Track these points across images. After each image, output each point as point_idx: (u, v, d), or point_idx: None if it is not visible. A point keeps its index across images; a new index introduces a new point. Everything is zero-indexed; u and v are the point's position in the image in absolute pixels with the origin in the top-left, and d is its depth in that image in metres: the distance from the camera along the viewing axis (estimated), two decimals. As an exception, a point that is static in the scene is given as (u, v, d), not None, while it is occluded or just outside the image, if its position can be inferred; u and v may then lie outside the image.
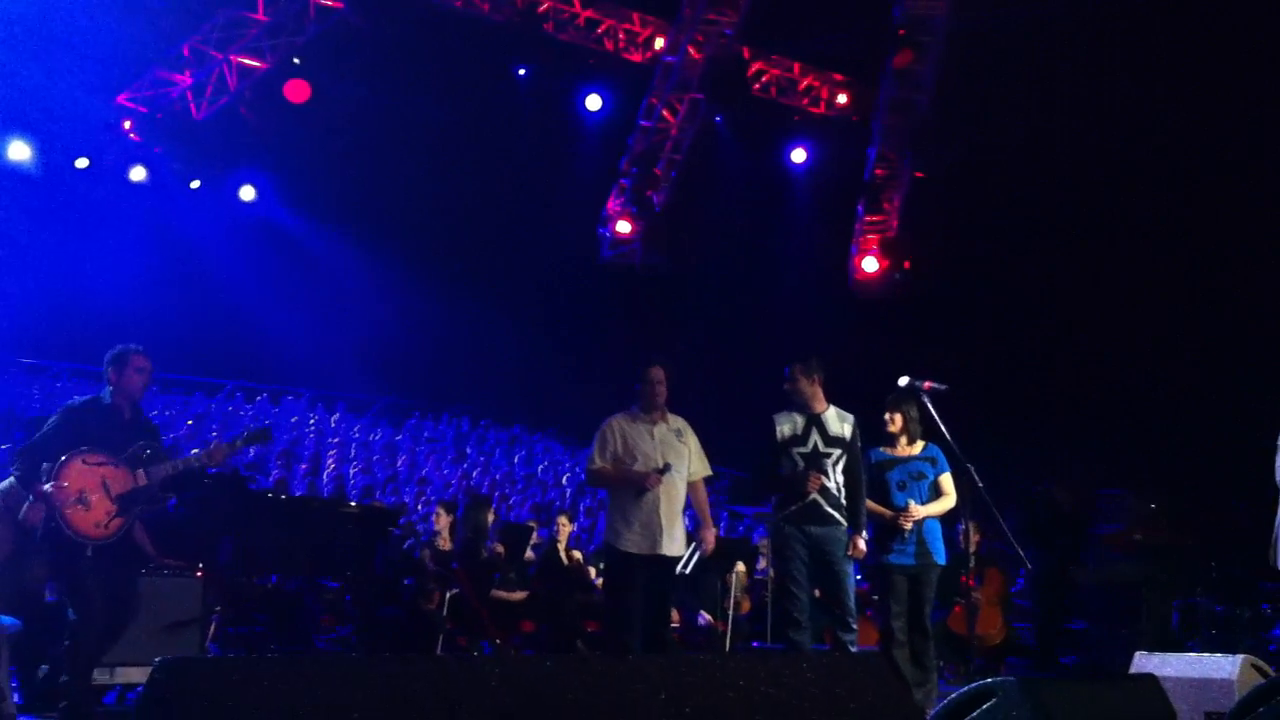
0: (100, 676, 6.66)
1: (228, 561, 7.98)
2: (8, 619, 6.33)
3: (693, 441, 7.21)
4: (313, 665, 3.13)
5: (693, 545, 8.09)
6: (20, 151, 16.59)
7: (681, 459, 7.07)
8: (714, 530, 7.53)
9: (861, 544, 7.07)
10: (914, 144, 19.35)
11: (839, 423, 7.13)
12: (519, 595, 9.69)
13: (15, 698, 6.49)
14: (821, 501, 6.96)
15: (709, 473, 7.33)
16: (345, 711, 2.82)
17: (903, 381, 7.05)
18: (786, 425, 7.09)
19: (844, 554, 6.99)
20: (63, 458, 6.19)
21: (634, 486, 6.91)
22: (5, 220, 17.20)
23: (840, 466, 7.05)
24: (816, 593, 7.26)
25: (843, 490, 7.04)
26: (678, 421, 7.19)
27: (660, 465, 6.90)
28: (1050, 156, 17.22)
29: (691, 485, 7.21)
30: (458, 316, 20.34)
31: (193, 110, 17.38)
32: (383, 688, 2.91)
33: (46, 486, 6.09)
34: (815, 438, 7.04)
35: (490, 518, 9.95)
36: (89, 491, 6.21)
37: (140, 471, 6.41)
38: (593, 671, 3.39)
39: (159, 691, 2.71)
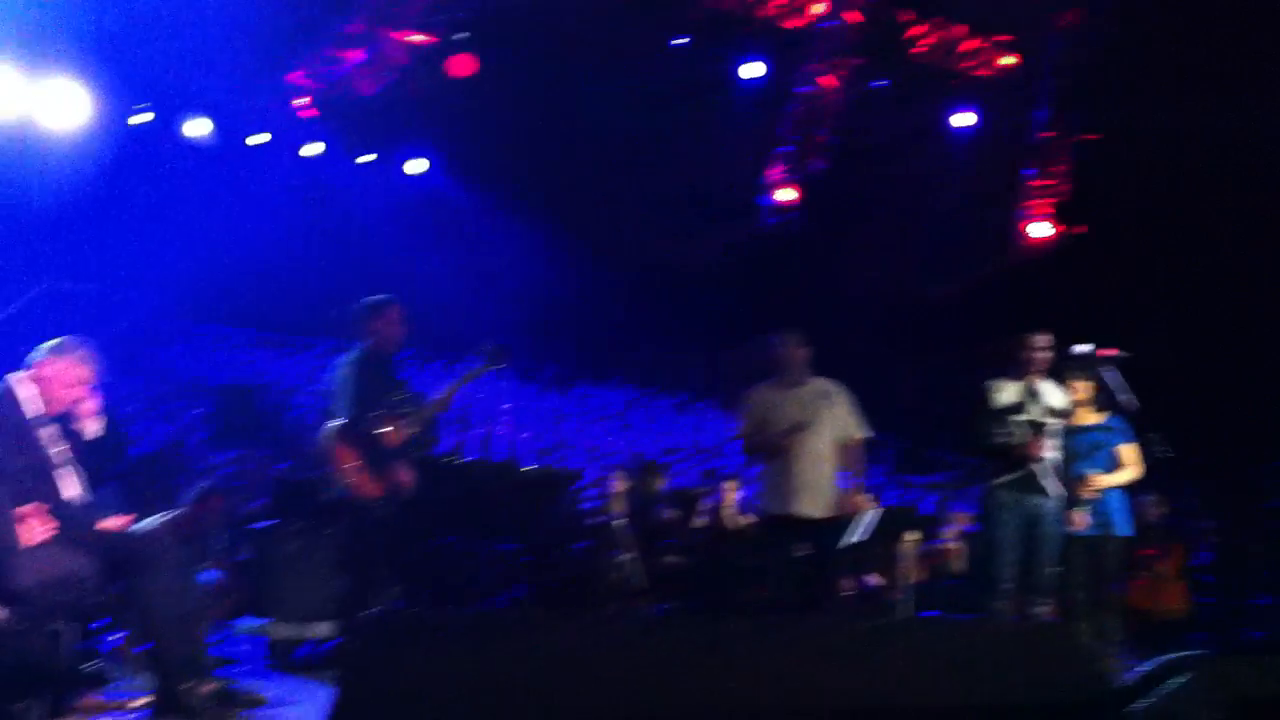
0: (294, 631, 6.91)
1: (406, 523, 8.19)
2: (213, 574, 6.61)
3: (842, 404, 7.18)
4: (502, 621, 3.21)
5: (869, 512, 8.04)
6: (199, 128, 17.24)
7: (825, 421, 7.06)
8: (862, 493, 7.47)
9: (1079, 517, 6.97)
10: (1083, 105, 18.80)
11: (1056, 394, 7.02)
12: (691, 561, 9.75)
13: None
14: (1040, 471, 6.84)
15: (862, 435, 7.28)
16: (534, 664, 2.89)
17: (1082, 349, 6.88)
18: (1004, 392, 6.97)
19: (1054, 528, 6.88)
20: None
21: (769, 449, 6.97)
22: (186, 195, 17.91)
23: (1056, 437, 6.95)
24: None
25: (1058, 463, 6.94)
26: (824, 385, 7.19)
27: (792, 426, 6.92)
28: (1231, 114, 16.54)
29: (842, 448, 7.19)
30: (621, 286, 20.47)
31: (361, 86, 17.79)
32: (568, 644, 2.97)
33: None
34: (1034, 406, 6.92)
35: (661, 484, 10.03)
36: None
37: (407, 421, 6.56)
38: (767, 633, 3.39)
39: (358, 644, 2.81)
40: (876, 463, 15.06)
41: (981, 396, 6.99)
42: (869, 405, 7.31)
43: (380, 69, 17.82)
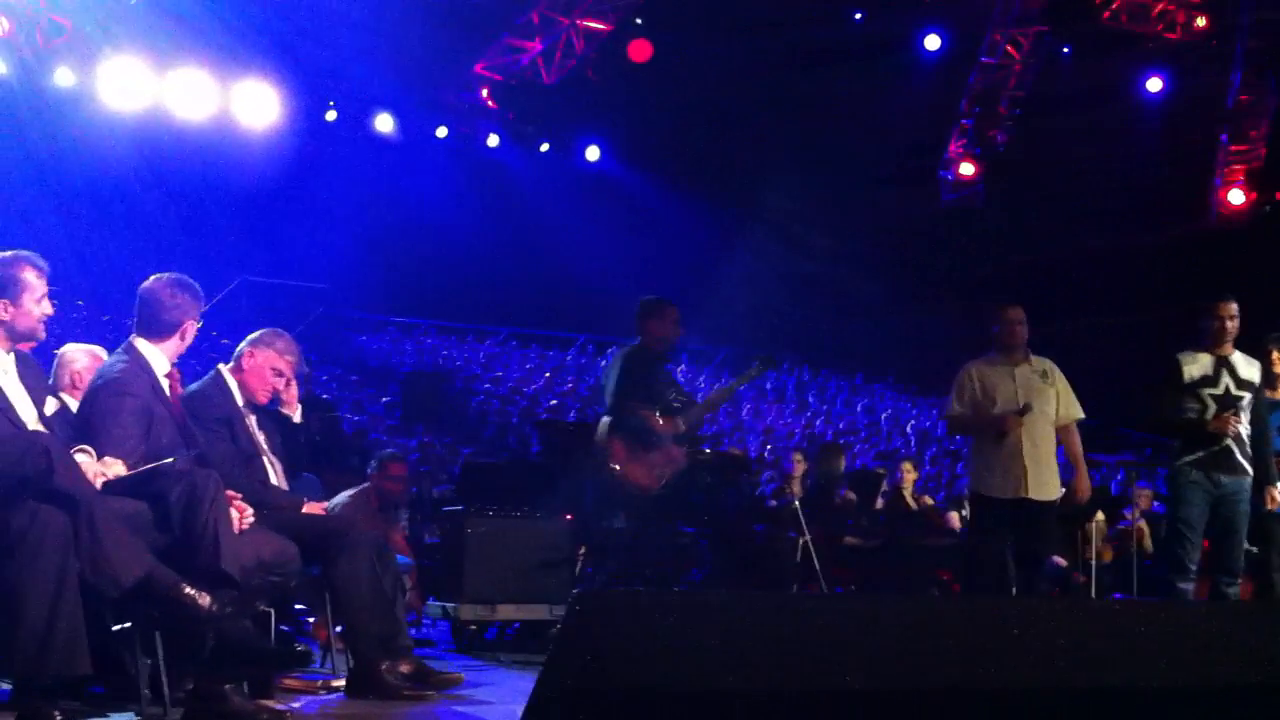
0: (482, 613, 7.08)
1: (590, 506, 8.32)
2: (404, 559, 6.82)
3: (1060, 383, 6.94)
4: (709, 599, 3.27)
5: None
6: (384, 123, 17.75)
7: (1046, 401, 6.83)
8: (1087, 477, 7.22)
9: (1276, 494, 6.68)
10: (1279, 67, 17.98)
11: (1248, 366, 6.71)
12: (872, 543, 9.69)
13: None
14: (1234, 448, 6.57)
15: (1080, 415, 7.03)
16: (739, 640, 2.93)
17: (1288, 320, 6.58)
18: (1194, 365, 6.71)
19: (1246, 506, 6.61)
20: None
21: (993, 430, 6.75)
22: (373, 189, 18.49)
23: (1247, 411, 6.66)
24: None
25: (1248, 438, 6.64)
26: (1043, 363, 6.94)
27: (1020, 407, 6.71)
28: None
29: (1062, 429, 6.96)
30: (796, 267, 20.39)
31: (543, 75, 18.07)
32: (770, 622, 2.99)
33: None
34: (1227, 380, 6.64)
35: (841, 465, 9.97)
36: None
37: (678, 419, 6.73)
38: (973, 612, 3.36)
39: (578, 619, 2.88)
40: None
41: (1170, 369, 6.73)
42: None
43: (559, 57, 18.06)
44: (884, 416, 17.73)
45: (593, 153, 19.78)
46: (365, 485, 7.66)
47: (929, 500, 10.07)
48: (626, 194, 20.36)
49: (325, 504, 5.88)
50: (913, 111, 20.03)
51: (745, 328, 20.71)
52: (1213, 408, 6.56)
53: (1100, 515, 10.20)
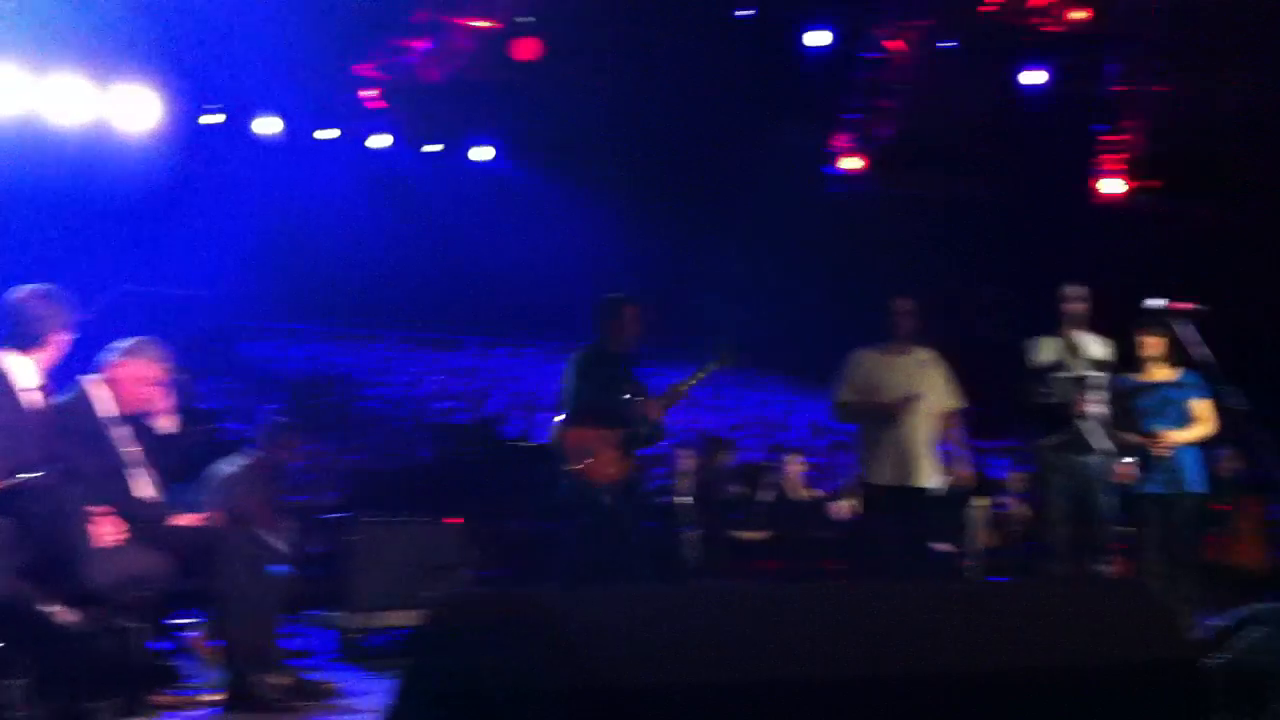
0: (369, 621, 7.01)
1: (480, 509, 8.29)
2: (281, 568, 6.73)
3: (942, 373, 7.08)
4: (584, 596, 3.27)
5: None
6: (268, 126, 17.46)
7: (931, 389, 6.96)
8: (969, 463, 7.35)
9: (1126, 469, 6.84)
10: (1155, 58, 18.45)
11: (1099, 347, 6.86)
12: (759, 535, 9.77)
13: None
14: (1091, 429, 6.71)
15: (959, 404, 7.18)
16: (613, 636, 2.93)
17: (1155, 303, 6.68)
18: (1046, 349, 6.86)
19: (1105, 484, 6.76)
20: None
21: (881, 417, 6.85)
22: (258, 193, 18.18)
23: (1101, 391, 6.80)
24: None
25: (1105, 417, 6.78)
26: (925, 353, 7.08)
27: (908, 395, 6.82)
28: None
29: (944, 416, 7.10)
30: (685, 262, 20.45)
31: (431, 74, 17.89)
32: (645, 614, 3.00)
33: None
34: (1077, 361, 6.79)
35: (727, 459, 10.05)
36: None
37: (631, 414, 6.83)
38: (833, 597, 3.41)
39: (438, 623, 2.86)
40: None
41: (1022, 354, 6.89)
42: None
43: (446, 56, 17.90)
44: (775, 410, 17.87)
45: (485, 152, 19.65)
46: (257, 455, 7.49)
47: (818, 492, 10.16)
48: (520, 193, 20.24)
49: (201, 516, 5.76)
50: (800, 106, 20.19)
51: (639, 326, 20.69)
52: (1066, 390, 6.71)
53: (983, 500, 10.39)
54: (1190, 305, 6.63)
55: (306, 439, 12.49)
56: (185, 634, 6.12)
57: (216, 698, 4.90)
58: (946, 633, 3.34)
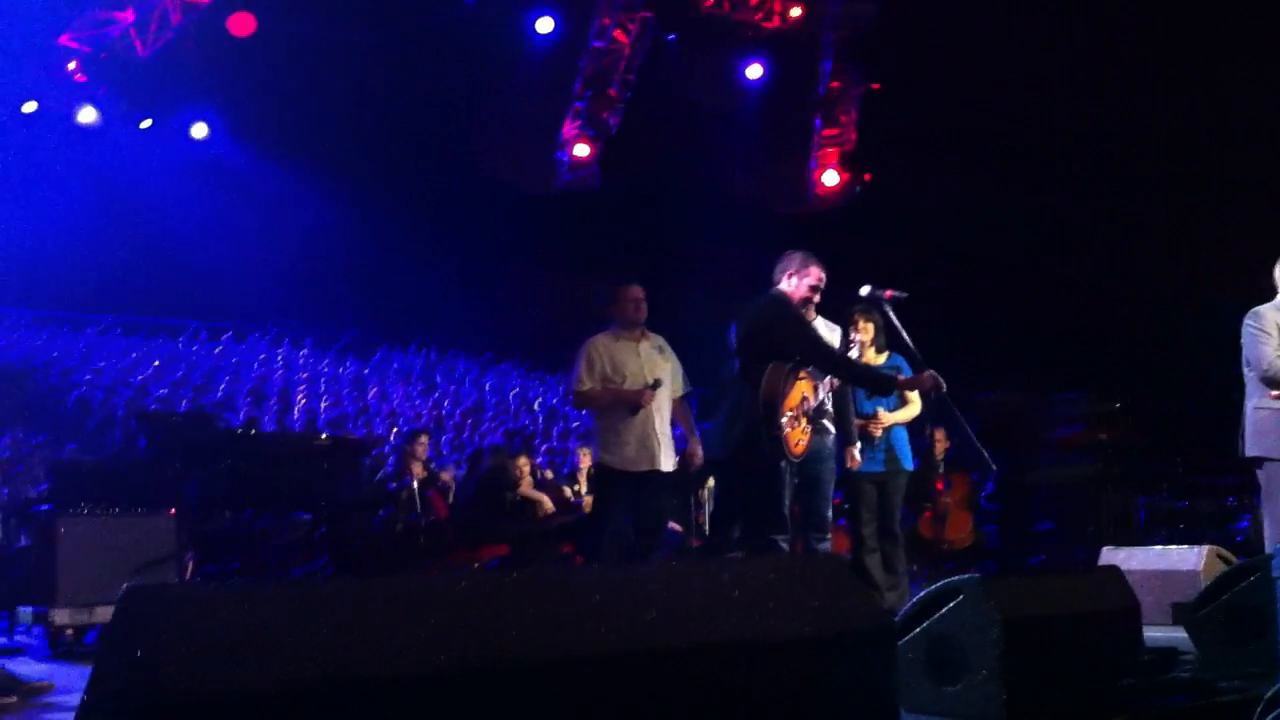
0: (79, 616, 6.69)
1: (198, 500, 7.99)
2: None
3: (673, 359, 7.22)
4: (282, 590, 3.15)
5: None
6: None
7: (666, 375, 7.09)
8: (700, 445, 7.48)
9: (856, 454, 7.13)
10: (865, 56, 19.27)
11: (826, 332, 7.04)
12: (485, 520, 9.74)
13: None
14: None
15: (689, 389, 7.35)
16: (315, 632, 2.84)
17: (864, 290, 6.89)
18: None
19: (831, 465, 6.97)
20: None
21: (626, 404, 6.93)
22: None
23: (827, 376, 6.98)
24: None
25: (829, 401, 6.99)
26: (658, 340, 7.20)
27: (650, 382, 6.93)
28: (1006, 63, 17.17)
29: (676, 401, 7.24)
30: (418, 247, 20.23)
31: (137, 47, 17.05)
32: (351, 609, 2.92)
33: None
34: None
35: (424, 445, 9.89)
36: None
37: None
38: (554, 582, 3.41)
39: (127, 619, 2.73)
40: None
41: None
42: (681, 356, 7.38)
43: (154, 29, 17.08)
44: (512, 394, 17.88)
45: (199, 129, 18.84)
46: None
47: (549, 474, 10.21)
48: (237, 172, 19.55)
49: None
50: (527, 93, 20.23)
51: (370, 308, 20.40)
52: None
53: (711, 481, 10.66)
54: (894, 291, 6.91)
55: (9, 430, 11.81)
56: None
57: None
58: (649, 611, 3.38)
